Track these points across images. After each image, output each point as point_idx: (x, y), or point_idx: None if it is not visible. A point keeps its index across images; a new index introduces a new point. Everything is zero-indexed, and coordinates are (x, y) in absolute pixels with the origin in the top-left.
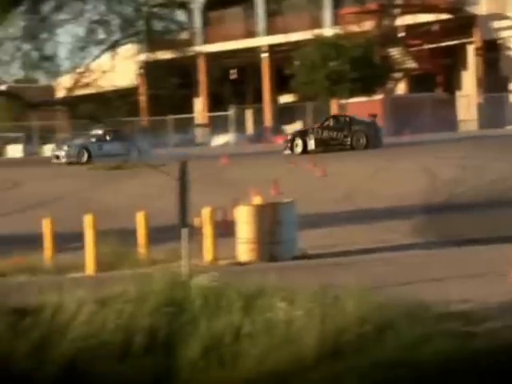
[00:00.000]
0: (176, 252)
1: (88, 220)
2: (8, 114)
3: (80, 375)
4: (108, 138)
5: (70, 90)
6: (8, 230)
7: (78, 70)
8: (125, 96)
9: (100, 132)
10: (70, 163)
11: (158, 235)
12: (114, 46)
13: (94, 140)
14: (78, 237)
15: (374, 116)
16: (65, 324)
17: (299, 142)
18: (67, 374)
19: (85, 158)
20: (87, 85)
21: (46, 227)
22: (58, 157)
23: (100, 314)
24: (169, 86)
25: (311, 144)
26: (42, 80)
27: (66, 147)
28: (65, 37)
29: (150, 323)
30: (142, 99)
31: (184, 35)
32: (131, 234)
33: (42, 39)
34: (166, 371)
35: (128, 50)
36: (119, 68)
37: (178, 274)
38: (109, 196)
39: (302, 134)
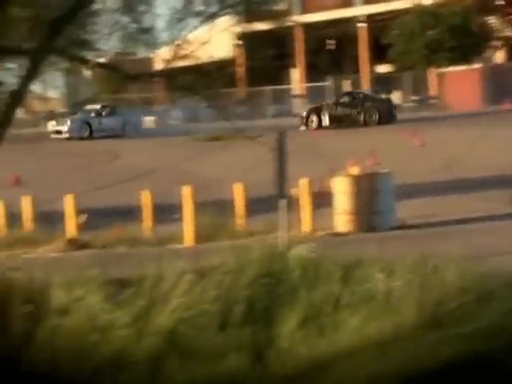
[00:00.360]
0: (273, 223)
1: (186, 191)
2: (108, 86)
3: (180, 345)
4: (104, 113)
5: (168, 61)
6: (109, 201)
7: (176, 42)
8: (222, 67)
9: (98, 107)
10: (71, 138)
11: (254, 206)
12: (211, 18)
13: (93, 115)
14: (175, 208)
15: (389, 92)
16: (165, 295)
17: (314, 118)
18: (167, 345)
19: (87, 132)
20: (185, 56)
21: (146, 199)
22: (59, 132)
23: (199, 284)
24: (266, 57)
25: (325, 120)
26: (140, 52)
27: (68, 122)
28: (162, 9)
29: (248, 294)
30: (240, 70)
31: (281, 5)
32: (228, 205)
33: (140, 11)
34: (265, 341)
35: (225, 21)
36: (217, 39)
37: (275, 245)
38: (205, 167)
39: (317, 111)
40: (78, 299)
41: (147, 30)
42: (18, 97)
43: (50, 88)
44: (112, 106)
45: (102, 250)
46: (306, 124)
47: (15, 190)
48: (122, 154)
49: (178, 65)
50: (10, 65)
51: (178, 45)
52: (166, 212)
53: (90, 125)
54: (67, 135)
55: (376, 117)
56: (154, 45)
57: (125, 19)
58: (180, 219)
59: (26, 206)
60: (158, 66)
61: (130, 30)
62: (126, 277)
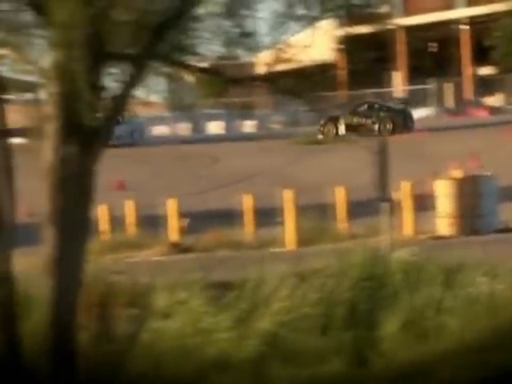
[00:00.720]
0: (375, 226)
1: (288, 195)
2: (210, 90)
3: (282, 348)
4: None
5: (269, 65)
6: (210, 205)
7: (278, 46)
8: (324, 71)
9: None
10: None
11: (355, 210)
12: (313, 21)
13: None
14: (276, 212)
15: (406, 102)
16: (267, 298)
17: (331, 127)
18: (269, 348)
19: None
20: (287, 60)
21: (247, 202)
22: None
23: (301, 288)
24: (367, 61)
25: (342, 129)
26: (242, 56)
27: None
28: (264, 13)
29: (350, 297)
30: (341, 74)
31: (383, 8)
32: (329, 208)
33: (242, 16)
34: (367, 344)
35: (327, 24)
36: (318, 42)
37: (377, 249)
38: (305, 171)
39: (334, 120)
40: (180, 302)
41: (249, 34)
42: (121, 102)
43: (153, 93)
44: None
45: (204, 254)
46: (323, 132)
47: (119, 194)
48: (222, 157)
49: (279, 68)
50: (113, 70)
51: (280, 48)
52: (267, 216)
53: None
54: None
55: (390, 126)
56: (255, 49)
57: (227, 24)
58: (281, 223)
59: (129, 210)
60: (260, 69)
61: (232, 34)
62: (228, 280)
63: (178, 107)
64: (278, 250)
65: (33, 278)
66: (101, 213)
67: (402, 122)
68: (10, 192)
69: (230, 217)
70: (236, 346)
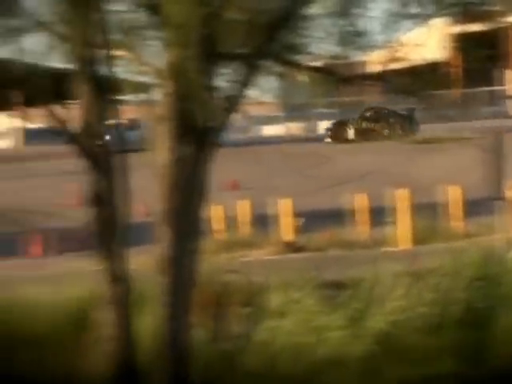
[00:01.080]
0: (489, 225)
1: (402, 194)
2: (322, 89)
3: (396, 347)
4: (130, 125)
5: (382, 64)
6: (322, 204)
7: (390, 44)
8: (436, 69)
9: (125, 120)
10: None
11: (470, 208)
12: (425, 20)
13: (124, 128)
14: (387, 211)
15: (413, 109)
16: (381, 297)
17: (340, 131)
18: (383, 347)
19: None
20: (399, 59)
21: (360, 202)
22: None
23: (415, 287)
24: (480, 59)
25: (351, 134)
26: (353, 55)
27: (106, 136)
28: (376, 11)
29: (465, 296)
30: (454, 72)
31: (497, 6)
32: (441, 207)
33: (354, 14)
34: (482, 344)
35: (439, 22)
36: (430, 40)
37: (492, 248)
38: (415, 170)
39: (343, 124)
40: (294, 301)
41: (361, 34)
42: (234, 102)
43: (265, 92)
44: (133, 119)
45: (317, 253)
46: (331, 137)
47: (232, 193)
48: (332, 157)
49: (391, 67)
50: (226, 70)
51: (392, 47)
52: (379, 215)
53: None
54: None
55: (399, 132)
56: (368, 48)
57: (339, 23)
58: (393, 222)
59: (243, 210)
60: (372, 68)
61: (344, 33)
62: (341, 279)
63: (291, 106)
64: (390, 249)
65: (147, 276)
66: (215, 212)
67: (408, 127)
68: (125, 192)
69: (342, 216)
70: (349, 344)
